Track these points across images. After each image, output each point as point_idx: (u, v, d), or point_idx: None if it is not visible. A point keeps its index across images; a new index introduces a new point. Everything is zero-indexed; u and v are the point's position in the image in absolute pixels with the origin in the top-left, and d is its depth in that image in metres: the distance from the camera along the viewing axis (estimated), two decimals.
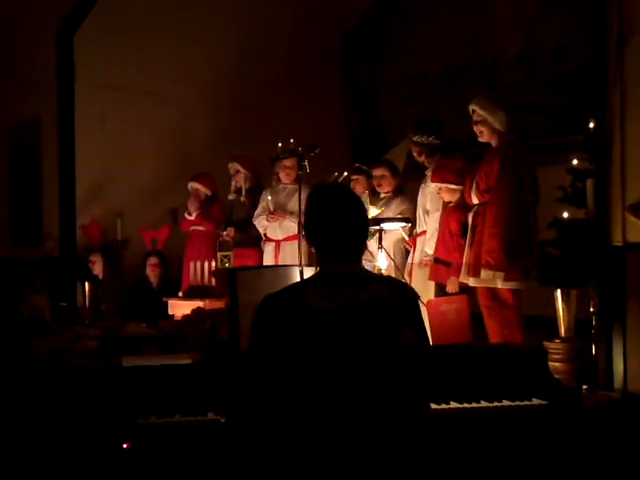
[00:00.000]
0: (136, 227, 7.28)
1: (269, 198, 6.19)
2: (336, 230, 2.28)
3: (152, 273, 6.89)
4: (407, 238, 5.62)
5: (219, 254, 5.93)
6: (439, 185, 5.21)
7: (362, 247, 2.33)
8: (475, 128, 4.93)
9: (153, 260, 6.92)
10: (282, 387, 2.15)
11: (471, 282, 4.84)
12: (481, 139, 4.96)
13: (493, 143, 4.92)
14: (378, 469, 2.10)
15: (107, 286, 6.96)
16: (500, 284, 4.65)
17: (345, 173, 5.84)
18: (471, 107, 4.96)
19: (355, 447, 2.09)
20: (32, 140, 7.41)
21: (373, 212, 5.56)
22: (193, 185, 6.82)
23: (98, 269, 7.06)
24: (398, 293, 2.24)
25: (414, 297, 2.31)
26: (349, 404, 2.11)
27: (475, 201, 4.91)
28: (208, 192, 6.81)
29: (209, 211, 6.80)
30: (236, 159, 6.56)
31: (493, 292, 4.73)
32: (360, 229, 2.33)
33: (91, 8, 7.00)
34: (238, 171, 6.59)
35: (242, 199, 6.54)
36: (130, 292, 6.99)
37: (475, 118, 4.92)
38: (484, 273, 4.70)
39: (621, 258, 4.38)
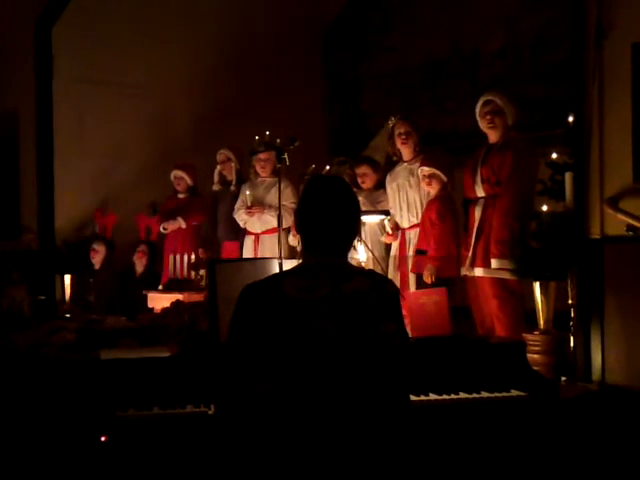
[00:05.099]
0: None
1: (247, 192, 6.19)
2: (327, 222, 2.26)
3: (139, 261, 6.84)
4: (390, 232, 5.61)
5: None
6: (433, 171, 5.19)
7: (350, 242, 2.32)
8: (488, 119, 4.90)
9: (142, 247, 6.87)
10: (260, 379, 2.14)
11: (479, 273, 4.84)
12: (489, 130, 4.93)
13: (495, 138, 4.92)
14: (359, 461, 2.10)
15: (101, 276, 6.89)
16: (509, 274, 4.65)
17: (327, 167, 5.86)
18: (487, 98, 4.93)
19: (334, 439, 2.09)
20: (9, 132, 7.34)
21: None
22: (177, 173, 6.73)
23: (100, 257, 6.97)
24: (379, 288, 2.24)
25: (395, 292, 2.31)
26: (327, 396, 2.11)
27: (481, 194, 4.90)
28: (190, 182, 6.78)
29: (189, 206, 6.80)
30: (230, 148, 6.56)
31: (503, 282, 4.74)
32: (351, 224, 2.31)
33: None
34: (229, 159, 6.58)
35: (232, 189, 6.53)
36: (115, 281, 6.94)
37: (491, 108, 4.89)
38: (495, 262, 4.69)
39: (599, 251, 4.41)
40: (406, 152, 5.58)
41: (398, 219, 5.61)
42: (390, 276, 5.49)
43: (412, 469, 2.23)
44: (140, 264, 6.84)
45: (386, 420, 2.16)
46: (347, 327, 2.15)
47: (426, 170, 5.21)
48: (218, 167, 6.66)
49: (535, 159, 4.93)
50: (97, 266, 6.97)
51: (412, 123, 5.56)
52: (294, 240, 5.58)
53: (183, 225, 6.61)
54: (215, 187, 6.70)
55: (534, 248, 4.50)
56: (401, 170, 5.61)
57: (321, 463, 2.08)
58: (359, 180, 5.94)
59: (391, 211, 5.61)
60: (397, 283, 5.38)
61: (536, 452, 3.31)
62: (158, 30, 7.46)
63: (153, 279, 6.56)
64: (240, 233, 6.39)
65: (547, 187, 4.85)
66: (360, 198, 5.63)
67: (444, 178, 5.18)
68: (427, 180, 5.20)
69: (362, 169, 5.92)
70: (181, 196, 6.77)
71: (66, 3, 6.96)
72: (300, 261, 2.34)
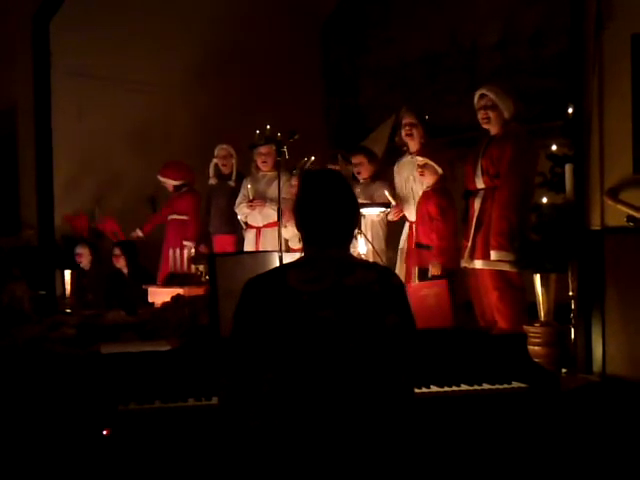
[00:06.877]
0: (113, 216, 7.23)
1: (249, 186, 6.21)
2: (326, 215, 2.27)
3: (118, 264, 6.87)
4: (393, 202, 5.66)
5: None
6: (426, 161, 5.20)
7: (350, 234, 2.34)
8: (482, 113, 4.92)
9: (116, 251, 6.91)
10: (264, 370, 2.14)
11: (478, 265, 4.86)
12: (485, 125, 4.95)
13: (494, 130, 4.93)
14: (362, 452, 2.10)
15: (92, 276, 6.90)
16: (509, 266, 4.66)
17: (312, 158, 5.85)
18: (481, 92, 4.95)
19: (338, 431, 2.09)
20: (8, 128, 7.33)
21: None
22: (159, 178, 6.88)
23: (86, 261, 7.00)
24: (383, 280, 2.25)
25: (400, 285, 2.32)
26: (331, 386, 2.11)
27: (481, 186, 4.91)
28: (174, 182, 6.82)
29: (177, 203, 6.86)
30: (230, 144, 6.63)
31: (503, 274, 4.75)
32: (350, 216, 2.33)
33: None
34: (231, 155, 6.62)
35: (232, 184, 6.57)
36: (106, 282, 6.95)
37: (484, 103, 4.92)
38: (495, 254, 4.70)
39: (599, 242, 4.40)
40: (411, 144, 5.59)
41: (407, 211, 5.67)
42: (397, 269, 5.51)
43: (415, 460, 2.23)
44: (121, 265, 6.87)
45: (390, 412, 2.16)
46: (350, 318, 2.15)
47: (420, 160, 5.25)
48: (214, 161, 6.70)
49: (535, 151, 4.94)
50: (86, 268, 7.03)
51: (418, 115, 5.56)
52: (287, 233, 5.56)
53: (140, 234, 6.81)
54: (212, 181, 6.75)
55: (534, 240, 4.50)
56: (407, 163, 5.64)
57: (325, 454, 2.08)
58: (354, 170, 5.95)
59: (399, 194, 5.67)
60: (403, 276, 5.39)
61: (537, 443, 3.31)
62: (156, 25, 7.44)
63: (144, 274, 6.56)
64: (238, 226, 6.41)
65: (547, 179, 4.84)
66: (356, 191, 5.73)
67: (438, 170, 5.19)
68: (420, 170, 5.23)
69: (358, 158, 5.94)
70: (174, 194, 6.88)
71: None
72: (301, 254, 2.34)
